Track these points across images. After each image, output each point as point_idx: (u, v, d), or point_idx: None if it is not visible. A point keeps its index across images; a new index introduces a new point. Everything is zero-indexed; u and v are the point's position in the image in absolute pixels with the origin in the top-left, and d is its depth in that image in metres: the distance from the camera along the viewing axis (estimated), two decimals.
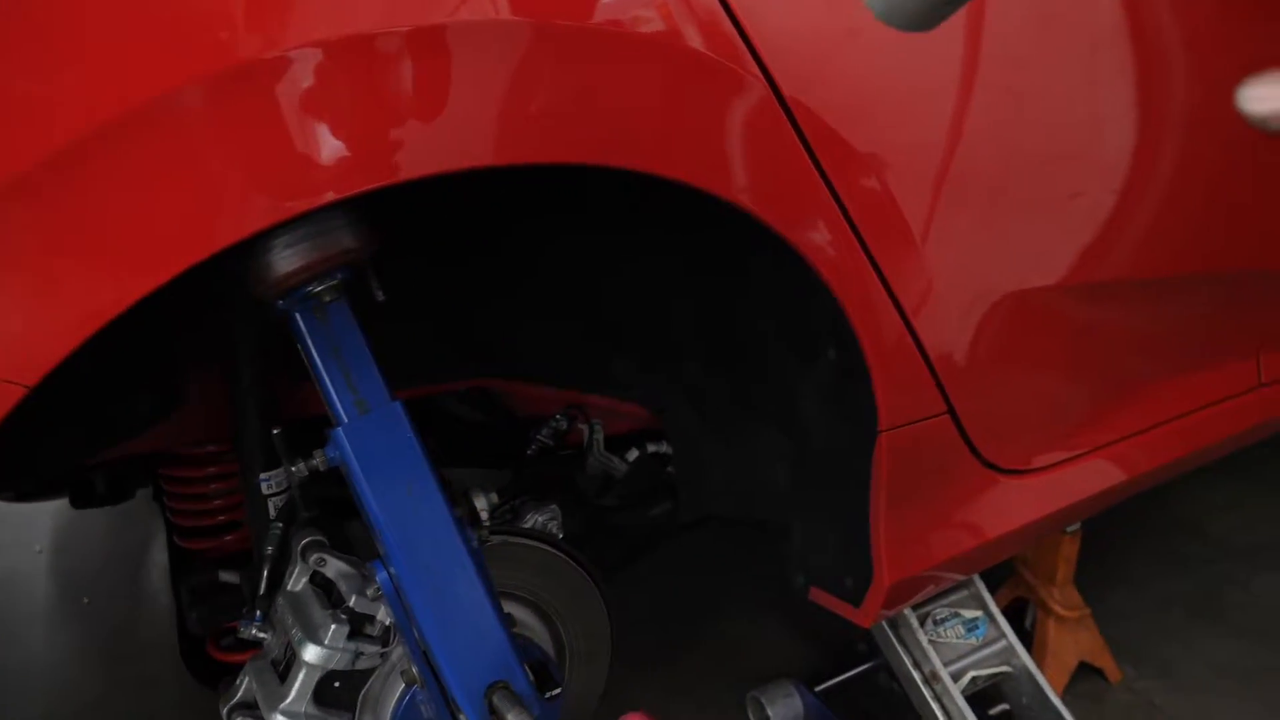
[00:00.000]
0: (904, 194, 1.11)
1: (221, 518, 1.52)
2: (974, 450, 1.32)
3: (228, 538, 1.53)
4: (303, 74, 0.76)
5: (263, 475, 1.34)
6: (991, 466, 1.35)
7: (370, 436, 1.00)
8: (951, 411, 1.26)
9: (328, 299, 0.98)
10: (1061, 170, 1.25)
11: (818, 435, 1.33)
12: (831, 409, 1.29)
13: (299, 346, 1.02)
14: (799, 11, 1.00)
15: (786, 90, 0.98)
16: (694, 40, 0.92)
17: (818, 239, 1.06)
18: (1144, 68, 1.26)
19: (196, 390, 1.38)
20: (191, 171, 0.76)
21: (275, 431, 1.15)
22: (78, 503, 1.56)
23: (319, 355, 1.00)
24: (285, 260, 0.91)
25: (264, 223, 0.80)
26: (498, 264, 1.38)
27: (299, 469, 1.05)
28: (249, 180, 0.78)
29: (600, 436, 1.60)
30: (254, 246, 0.90)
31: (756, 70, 0.96)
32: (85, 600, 2.26)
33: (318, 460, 1.03)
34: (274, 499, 1.36)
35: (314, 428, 1.18)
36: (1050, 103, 1.20)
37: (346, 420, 1.00)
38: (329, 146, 0.80)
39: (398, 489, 1.00)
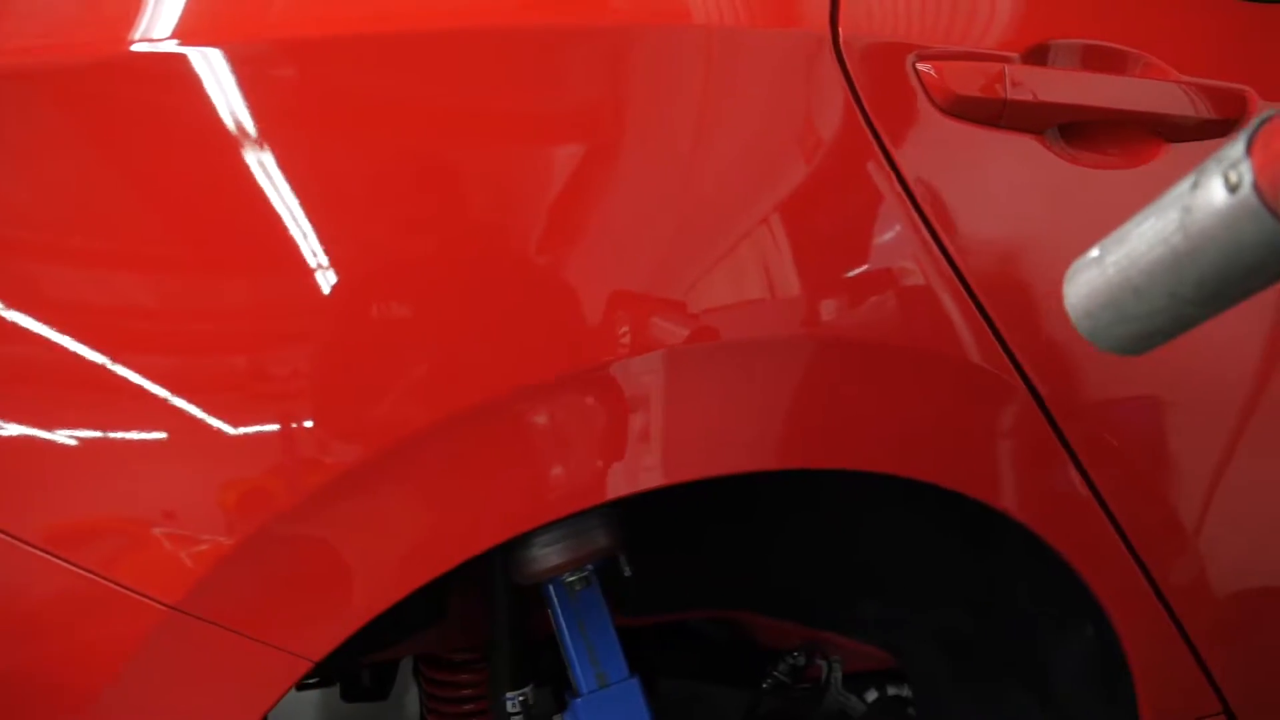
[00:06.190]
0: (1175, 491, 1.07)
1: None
2: None
3: None
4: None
5: (508, 694, 1.41)
6: None
7: (607, 709, 1.06)
8: (1228, 712, 1.16)
9: (578, 587, 1.04)
10: None
11: (1074, 714, 1.25)
12: (1089, 690, 1.21)
13: (549, 612, 1.09)
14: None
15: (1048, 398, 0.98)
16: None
17: (1080, 542, 1.05)
18: None
19: (457, 603, 1.49)
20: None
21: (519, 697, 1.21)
22: (347, 696, 1.69)
23: (567, 629, 1.07)
24: (545, 557, 0.99)
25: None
26: (748, 526, 1.41)
27: None
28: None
29: (839, 674, 1.57)
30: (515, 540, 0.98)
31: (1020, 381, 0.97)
32: None
33: None
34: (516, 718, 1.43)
35: None
36: None
37: (586, 692, 1.05)
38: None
39: None
